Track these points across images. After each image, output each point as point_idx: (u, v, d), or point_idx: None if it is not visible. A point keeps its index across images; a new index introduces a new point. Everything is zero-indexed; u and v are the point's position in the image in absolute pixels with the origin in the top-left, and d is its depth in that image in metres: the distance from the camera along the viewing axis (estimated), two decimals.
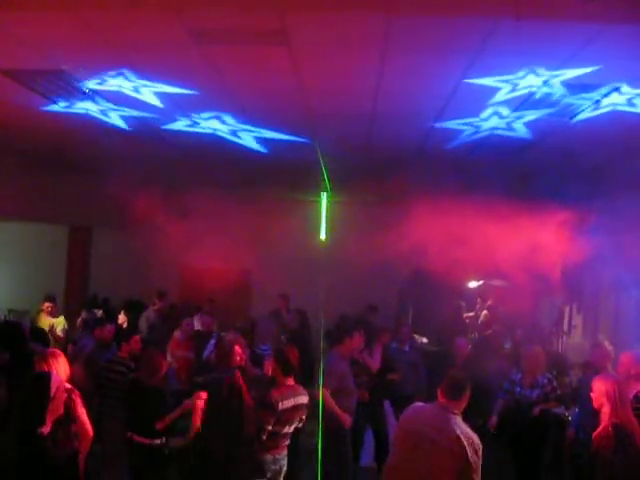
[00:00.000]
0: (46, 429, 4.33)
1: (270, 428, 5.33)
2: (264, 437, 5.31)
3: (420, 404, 4.80)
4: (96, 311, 10.66)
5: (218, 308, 11.27)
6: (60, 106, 6.83)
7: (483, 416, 7.77)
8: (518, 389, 7.12)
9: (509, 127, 6.98)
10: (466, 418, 6.80)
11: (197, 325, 10.17)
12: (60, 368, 5.03)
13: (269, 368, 6.11)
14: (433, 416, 4.43)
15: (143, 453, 5.59)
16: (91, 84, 6.02)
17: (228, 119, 7.28)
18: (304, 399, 5.61)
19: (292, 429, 5.56)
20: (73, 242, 13.31)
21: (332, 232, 11.59)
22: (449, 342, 8.98)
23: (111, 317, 9.75)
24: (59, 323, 10.03)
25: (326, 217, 11.50)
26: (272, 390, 5.47)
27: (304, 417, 5.67)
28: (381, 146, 8.28)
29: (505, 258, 7.83)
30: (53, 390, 4.36)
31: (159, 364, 5.88)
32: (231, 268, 11.76)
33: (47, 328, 9.28)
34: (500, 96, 5.86)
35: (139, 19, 4.48)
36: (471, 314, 12.21)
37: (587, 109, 6.11)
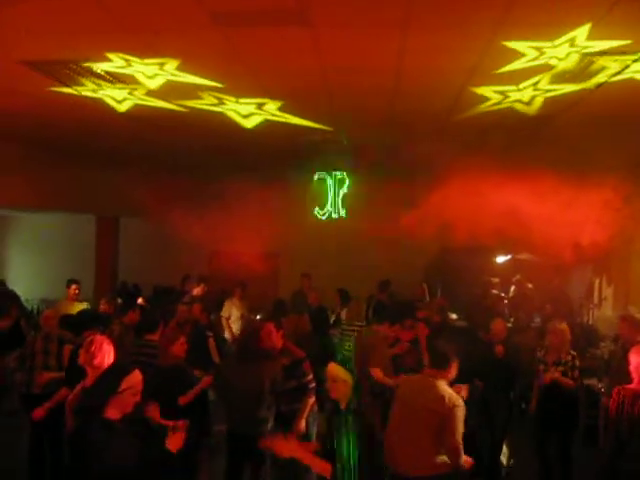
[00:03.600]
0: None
1: None
2: None
3: (410, 376, 5.53)
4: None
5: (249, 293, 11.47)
6: (83, 95, 6.87)
7: (515, 392, 7.67)
8: (542, 367, 6.91)
9: (529, 102, 6.88)
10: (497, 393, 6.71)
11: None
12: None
13: None
14: (419, 383, 5.11)
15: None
16: (113, 71, 6.05)
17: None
18: None
19: None
20: (100, 231, 13.45)
21: (355, 210, 11.61)
22: (480, 319, 8.90)
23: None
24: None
25: (348, 196, 11.50)
26: None
27: None
28: (404, 122, 8.22)
29: (535, 230, 7.75)
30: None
31: (174, 344, 5.98)
32: (259, 252, 11.80)
33: None
34: (522, 67, 5.78)
35: (159, 3, 4.48)
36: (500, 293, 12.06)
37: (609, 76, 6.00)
